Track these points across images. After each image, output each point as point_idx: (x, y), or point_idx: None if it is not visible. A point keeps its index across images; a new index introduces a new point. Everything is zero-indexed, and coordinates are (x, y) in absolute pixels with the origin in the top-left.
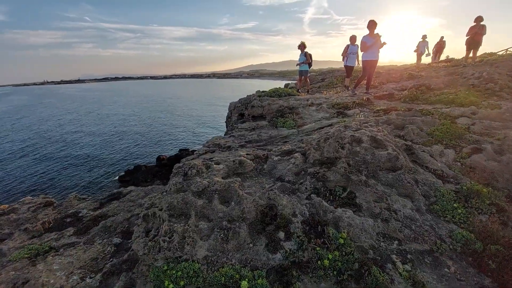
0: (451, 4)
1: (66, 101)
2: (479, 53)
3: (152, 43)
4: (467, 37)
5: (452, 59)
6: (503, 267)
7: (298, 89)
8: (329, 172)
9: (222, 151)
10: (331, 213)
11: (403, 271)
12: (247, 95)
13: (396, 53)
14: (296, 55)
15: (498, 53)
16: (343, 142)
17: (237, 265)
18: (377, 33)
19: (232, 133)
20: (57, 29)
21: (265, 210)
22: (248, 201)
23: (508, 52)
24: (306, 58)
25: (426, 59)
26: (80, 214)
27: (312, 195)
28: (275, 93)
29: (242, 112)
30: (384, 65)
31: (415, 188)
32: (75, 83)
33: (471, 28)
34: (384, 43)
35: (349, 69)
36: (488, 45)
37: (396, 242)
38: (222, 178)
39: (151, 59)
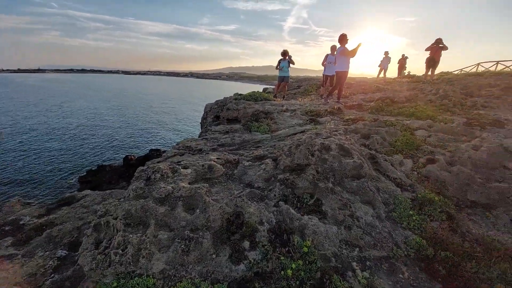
0: (416, 26)
1: (23, 93)
2: (437, 71)
3: (126, 36)
4: (427, 57)
5: (414, 75)
6: (452, 273)
7: (275, 94)
8: (298, 179)
9: (193, 154)
10: (298, 221)
11: (362, 278)
12: (224, 97)
13: (367, 67)
14: (275, 61)
15: (453, 72)
16: (313, 150)
17: (197, 278)
18: (360, 43)
19: (206, 135)
20: (20, 13)
21: (231, 218)
22: (214, 209)
23: (462, 71)
24: (291, 62)
25: (391, 74)
26: (21, 222)
27: (280, 202)
28: (251, 97)
29: (217, 114)
30: (356, 77)
31: (376, 196)
32: (34, 72)
33: (431, 48)
34: (360, 44)
35: (326, 77)
36: (446, 65)
37: (357, 249)
38: (189, 183)
39: (125, 53)
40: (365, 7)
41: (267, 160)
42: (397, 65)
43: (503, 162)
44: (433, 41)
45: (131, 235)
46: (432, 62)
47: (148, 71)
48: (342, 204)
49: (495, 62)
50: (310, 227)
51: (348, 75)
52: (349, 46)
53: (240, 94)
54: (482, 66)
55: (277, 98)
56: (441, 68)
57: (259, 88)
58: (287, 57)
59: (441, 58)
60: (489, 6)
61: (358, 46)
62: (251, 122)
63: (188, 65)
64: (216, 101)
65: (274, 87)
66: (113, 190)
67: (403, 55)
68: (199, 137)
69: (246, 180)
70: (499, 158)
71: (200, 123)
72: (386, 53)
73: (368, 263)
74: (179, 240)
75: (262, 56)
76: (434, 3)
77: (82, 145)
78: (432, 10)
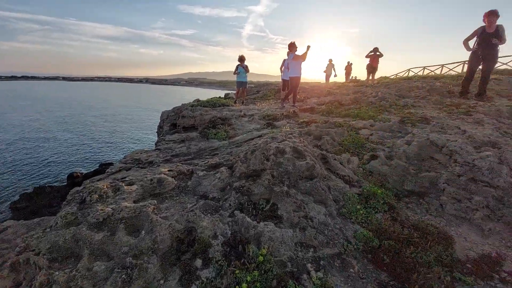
0: (359, 36)
1: None
2: (377, 76)
3: (66, 38)
4: (367, 63)
5: (359, 80)
6: (395, 260)
7: (235, 100)
8: (254, 185)
9: (142, 167)
10: (254, 229)
11: (316, 279)
12: (182, 104)
13: (320, 73)
14: (234, 66)
15: (390, 76)
16: (268, 154)
17: None
18: (308, 46)
19: (159, 145)
20: None
21: (181, 236)
22: (163, 228)
23: (397, 76)
24: (246, 70)
25: (337, 79)
26: None
27: (236, 211)
28: (209, 103)
29: (174, 122)
30: (310, 82)
31: (328, 195)
32: None
33: (370, 56)
34: (308, 47)
35: (284, 82)
36: (384, 70)
37: (312, 249)
38: (134, 202)
39: (66, 57)
40: (315, 18)
41: (222, 168)
42: (344, 71)
43: (430, 154)
44: (371, 49)
45: (57, 272)
46: (371, 68)
47: (96, 77)
48: (296, 206)
49: (422, 68)
50: (266, 234)
51: (304, 80)
52: (299, 52)
53: (200, 100)
54: (412, 71)
55: (237, 104)
56: (380, 73)
57: (220, 93)
58: (244, 62)
59: (379, 64)
60: (418, 21)
61: (308, 49)
62: (208, 129)
63: (143, 70)
64: (173, 108)
65: (235, 92)
66: (42, 218)
67: (348, 62)
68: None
69: (201, 191)
70: (427, 151)
71: (157, 132)
72: (330, 60)
73: (322, 262)
74: (119, 270)
75: (222, 62)
76: (373, 17)
77: (17, 165)
78: (371, 22)
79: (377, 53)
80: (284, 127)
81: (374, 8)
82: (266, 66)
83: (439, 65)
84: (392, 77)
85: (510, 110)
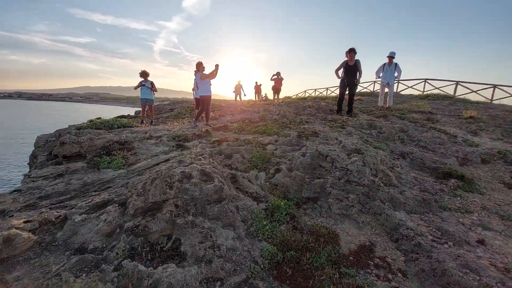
0: (267, 60)
1: None
2: (282, 96)
3: None
4: (272, 85)
5: (268, 99)
6: (296, 270)
7: (142, 120)
8: (152, 221)
9: None
10: (148, 278)
11: None
12: (69, 125)
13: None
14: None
15: (292, 96)
16: (172, 181)
17: None
18: (217, 65)
19: (22, 185)
20: None
21: None
22: None
23: (297, 96)
24: (152, 86)
25: (250, 97)
26: None
27: (125, 261)
28: (104, 125)
29: (52, 151)
30: (228, 100)
31: (236, 216)
32: None
33: (274, 79)
34: (217, 66)
35: (196, 100)
36: (289, 90)
37: (219, 283)
38: None
39: None
40: (228, 39)
41: (110, 207)
42: (254, 90)
43: (319, 163)
44: (274, 73)
45: None
46: (275, 89)
47: None
48: (203, 236)
49: (314, 89)
50: (165, 280)
51: (223, 98)
52: (207, 71)
53: (93, 120)
54: (308, 92)
55: (143, 124)
56: (286, 92)
57: (130, 111)
58: (148, 78)
59: (282, 86)
60: (313, 49)
61: (216, 68)
62: (100, 156)
63: (16, 82)
64: (56, 131)
65: (141, 111)
66: None
67: (256, 83)
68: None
69: (76, 243)
70: (317, 160)
71: (28, 164)
72: (239, 81)
73: None
74: None
75: (130, 76)
76: (277, 45)
77: None
78: (276, 50)
79: (279, 76)
80: (195, 148)
81: (278, 38)
82: (183, 83)
83: (324, 88)
84: (294, 96)
85: (368, 123)
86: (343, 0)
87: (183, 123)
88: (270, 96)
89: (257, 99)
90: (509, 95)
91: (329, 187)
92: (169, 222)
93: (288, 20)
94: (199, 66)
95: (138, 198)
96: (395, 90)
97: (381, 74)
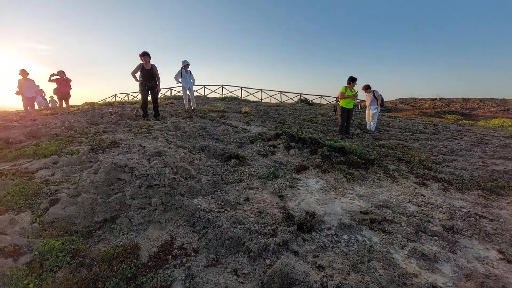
0: (51, 54)
1: None
2: (85, 100)
3: None
4: (54, 88)
5: (54, 108)
6: None
7: None
8: None
9: None
10: None
11: None
12: None
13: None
14: None
15: (98, 102)
16: None
17: None
18: None
19: None
20: None
21: None
22: None
23: (105, 101)
24: None
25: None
26: None
27: None
28: None
29: None
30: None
31: None
32: None
33: (56, 80)
34: None
35: None
36: (93, 95)
37: None
38: None
39: None
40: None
41: None
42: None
43: (117, 176)
44: (55, 72)
45: None
46: (59, 94)
47: None
48: None
49: (126, 93)
50: None
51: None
52: None
53: None
54: (118, 97)
55: None
56: (86, 97)
57: None
58: None
59: (71, 90)
60: (132, 46)
61: None
62: None
63: None
64: None
65: None
66: None
67: (38, 86)
68: None
69: None
70: (113, 174)
71: None
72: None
73: None
74: None
75: None
76: (70, 35)
77: None
78: (63, 40)
79: (64, 77)
80: None
81: (69, 26)
82: None
83: (125, 93)
84: (101, 102)
85: (174, 125)
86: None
87: None
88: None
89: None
90: (268, 96)
91: (130, 199)
92: None
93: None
94: None
95: None
96: (204, 94)
97: (180, 79)
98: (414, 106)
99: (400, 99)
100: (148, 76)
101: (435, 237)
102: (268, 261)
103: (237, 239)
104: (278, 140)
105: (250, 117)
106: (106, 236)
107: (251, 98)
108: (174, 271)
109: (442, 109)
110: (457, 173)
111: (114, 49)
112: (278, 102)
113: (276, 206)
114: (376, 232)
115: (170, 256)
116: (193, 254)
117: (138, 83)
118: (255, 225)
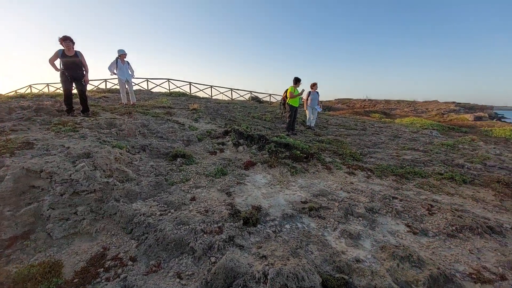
0: None
1: None
2: None
3: None
4: None
5: None
6: None
7: None
8: None
9: None
10: None
11: None
12: None
13: None
14: None
15: (8, 94)
16: None
17: None
18: None
19: None
20: None
21: None
22: None
23: (16, 93)
24: None
25: None
26: None
27: None
28: None
29: None
30: None
31: None
32: None
33: None
34: None
35: None
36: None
37: None
38: None
39: None
40: None
41: None
42: None
43: (30, 183)
44: None
45: None
46: None
47: None
48: None
49: (46, 84)
50: None
51: None
52: None
53: None
54: (35, 88)
55: None
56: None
57: None
58: None
59: None
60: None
61: None
62: None
63: None
64: None
65: None
66: None
67: None
68: None
69: None
70: (25, 181)
71: None
72: None
73: None
74: None
75: None
76: None
77: None
78: None
79: None
80: None
81: None
82: None
83: (45, 83)
84: (11, 94)
85: (107, 122)
86: None
87: None
88: None
89: None
90: (219, 93)
91: (48, 209)
92: None
93: None
94: None
95: None
96: (147, 88)
97: (115, 71)
98: (349, 106)
99: (338, 99)
100: (71, 64)
101: (359, 218)
102: (213, 259)
103: (181, 241)
104: (227, 137)
105: (199, 114)
106: (18, 255)
107: (201, 94)
108: (106, 284)
109: (370, 108)
110: (378, 163)
111: (33, 31)
112: (229, 99)
113: (224, 203)
114: (314, 218)
115: (102, 269)
116: (130, 263)
117: (59, 72)
118: (200, 224)
